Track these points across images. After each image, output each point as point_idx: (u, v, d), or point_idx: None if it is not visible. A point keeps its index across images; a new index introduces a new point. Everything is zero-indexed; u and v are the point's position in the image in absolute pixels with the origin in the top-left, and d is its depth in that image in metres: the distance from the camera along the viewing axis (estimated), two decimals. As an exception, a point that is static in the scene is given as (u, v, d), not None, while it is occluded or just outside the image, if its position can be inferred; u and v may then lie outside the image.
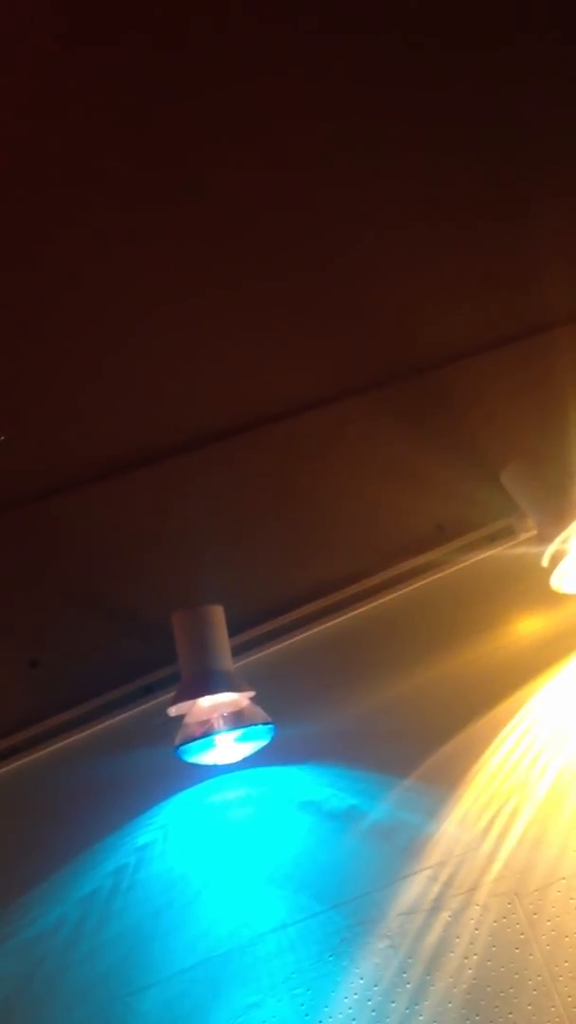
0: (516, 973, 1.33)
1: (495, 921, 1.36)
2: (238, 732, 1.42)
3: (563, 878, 1.39)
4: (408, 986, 1.32)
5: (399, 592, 1.62)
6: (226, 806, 1.46)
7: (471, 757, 1.48)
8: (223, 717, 1.41)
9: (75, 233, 1.39)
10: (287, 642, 1.58)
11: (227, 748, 1.44)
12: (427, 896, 1.38)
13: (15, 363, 1.55)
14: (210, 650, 1.43)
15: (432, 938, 1.35)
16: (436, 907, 1.37)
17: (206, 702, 1.41)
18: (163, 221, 1.43)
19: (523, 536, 1.66)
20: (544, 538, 1.52)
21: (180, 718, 1.42)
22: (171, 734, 1.42)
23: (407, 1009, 1.30)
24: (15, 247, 1.37)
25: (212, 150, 1.36)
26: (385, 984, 1.32)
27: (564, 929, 1.35)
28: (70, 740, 1.51)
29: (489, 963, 1.33)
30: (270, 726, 1.42)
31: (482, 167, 1.58)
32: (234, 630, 1.50)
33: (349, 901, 1.38)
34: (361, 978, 1.33)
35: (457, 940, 1.35)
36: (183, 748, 1.40)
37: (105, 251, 1.43)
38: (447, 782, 1.46)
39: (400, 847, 1.42)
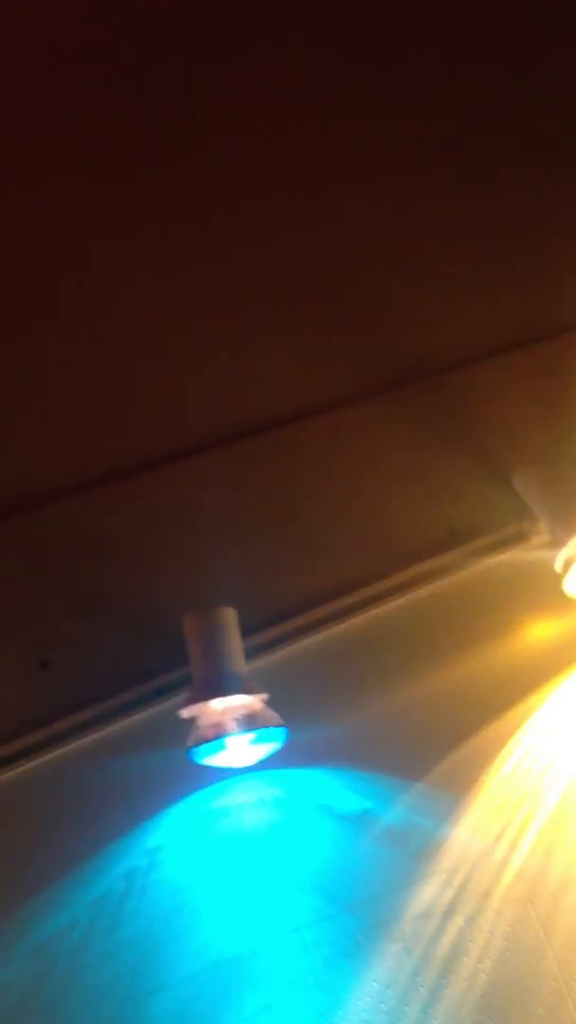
0: (530, 978, 1.32)
1: (509, 926, 1.35)
2: (251, 735, 1.42)
3: (577, 883, 1.38)
4: (422, 990, 1.31)
5: (412, 596, 1.62)
6: (238, 809, 1.45)
7: (485, 761, 1.48)
8: (236, 720, 1.41)
9: (79, 234, 1.39)
10: (300, 645, 1.58)
11: (240, 751, 1.43)
12: (441, 900, 1.37)
13: (24, 365, 1.55)
14: (222, 652, 1.43)
15: (446, 942, 1.34)
16: (450, 911, 1.37)
17: (218, 704, 1.41)
18: (169, 225, 1.43)
19: (536, 540, 1.66)
20: (557, 542, 1.52)
21: (192, 720, 1.42)
22: (183, 736, 1.41)
23: (421, 1012, 1.30)
24: (18, 249, 1.37)
25: (222, 157, 1.37)
26: (399, 987, 1.31)
27: (578, 934, 1.35)
28: (81, 742, 1.51)
29: (503, 968, 1.33)
30: (283, 729, 1.41)
31: (491, 170, 1.58)
32: (247, 633, 1.50)
33: (363, 904, 1.37)
34: (375, 981, 1.32)
35: (471, 944, 1.34)
36: (195, 750, 1.39)
37: (111, 254, 1.43)
38: (460, 786, 1.46)
39: (414, 851, 1.41)
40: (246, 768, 1.46)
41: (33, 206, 1.33)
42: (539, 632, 1.59)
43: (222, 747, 1.41)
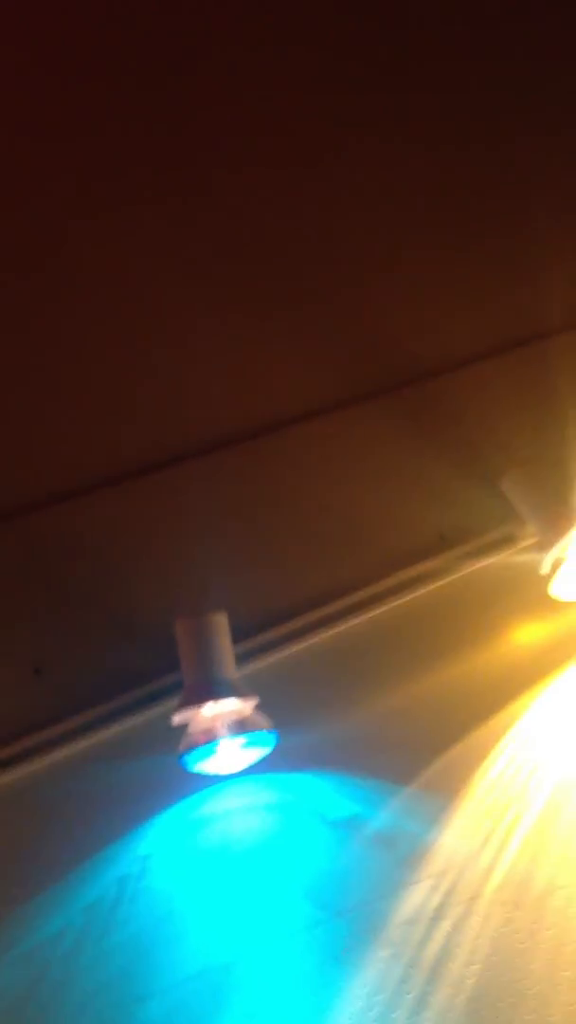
0: (517, 982, 1.33)
1: (496, 930, 1.36)
2: (242, 739, 1.43)
3: (563, 887, 1.38)
4: (410, 995, 1.32)
5: (400, 600, 1.62)
6: (229, 814, 1.46)
7: (472, 766, 1.48)
8: (226, 725, 1.42)
9: (78, 239, 1.39)
10: (290, 650, 1.58)
11: (230, 756, 1.44)
12: (429, 905, 1.38)
13: (18, 369, 1.56)
14: (213, 657, 1.44)
15: (434, 947, 1.35)
16: (438, 916, 1.37)
17: (209, 710, 1.41)
18: (167, 229, 1.43)
19: (523, 543, 1.66)
20: (544, 545, 1.53)
21: (184, 726, 1.42)
22: (175, 742, 1.42)
23: (409, 1018, 1.30)
24: (16, 252, 1.38)
25: (225, 163, 1.37)
26: (387, 993, 1.32)
27: (564, 938, 1.35)
28: (74, 748, 1.51)
29: (490, 972, 1.33)
30: (273, 733, 1.42)
31: (481, 176, 1.59)
32: (237, 638, 1.50)
33: (351, 910, 1.38)
34: (363, 987, 1.33)
35: (458, 949, 1.35)
36: (186, 756, 1.40)
37: (108, 256, 1.43)
38: (448, 791, 1.46)
39: (402, 856, 1.41)
40: (237, 773, 1.47)
41: (27, 200, 1.32)
42: (527, 635, 1.59)
43: (213, 752, 1.42)
